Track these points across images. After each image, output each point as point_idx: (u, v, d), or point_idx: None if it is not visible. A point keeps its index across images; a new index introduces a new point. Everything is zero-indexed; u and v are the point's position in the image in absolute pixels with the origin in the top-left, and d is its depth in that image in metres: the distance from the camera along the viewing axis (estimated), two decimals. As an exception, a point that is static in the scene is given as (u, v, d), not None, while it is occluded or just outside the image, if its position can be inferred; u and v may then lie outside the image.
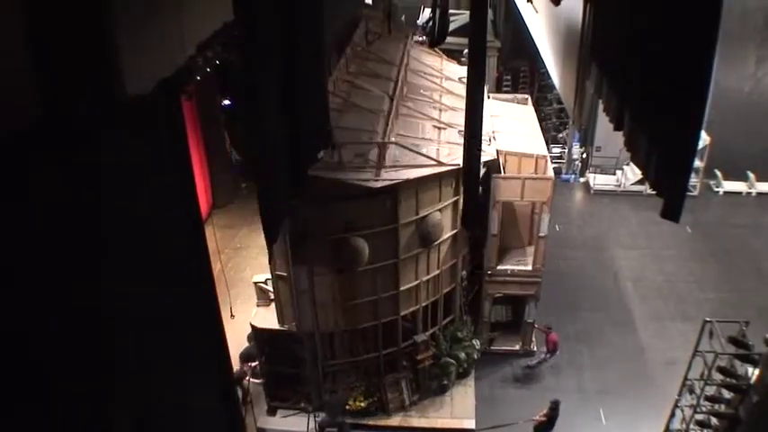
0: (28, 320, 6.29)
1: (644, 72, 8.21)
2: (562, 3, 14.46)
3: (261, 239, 10.23)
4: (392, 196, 15.46)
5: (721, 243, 25.69)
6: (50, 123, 6.36)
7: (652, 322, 21.31)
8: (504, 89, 35.09)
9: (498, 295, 19.42)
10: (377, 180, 15.03)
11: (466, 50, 20.65)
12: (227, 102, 26.08)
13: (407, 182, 15.32)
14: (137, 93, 7.76)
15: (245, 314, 22.40)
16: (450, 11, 20.41)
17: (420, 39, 37.00)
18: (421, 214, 16.24)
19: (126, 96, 7.44)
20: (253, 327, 17.59)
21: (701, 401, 15.20)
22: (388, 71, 20.85)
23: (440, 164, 15.88)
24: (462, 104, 18.42)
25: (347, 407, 17.66)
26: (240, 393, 18.50)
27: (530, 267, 18.74)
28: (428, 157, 16.01)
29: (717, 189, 29.36)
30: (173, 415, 9.47)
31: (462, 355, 18.82)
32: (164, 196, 9.14)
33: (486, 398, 18.98)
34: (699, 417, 15.36)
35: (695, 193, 28.29)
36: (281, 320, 17.10)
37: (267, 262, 10.97)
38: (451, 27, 21.10)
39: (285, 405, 18.28)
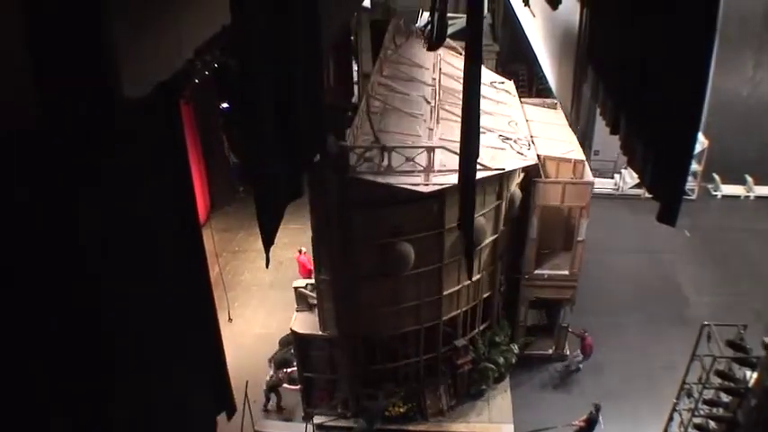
0: (28, 320, 6.29)
1: (640, 76, 8.21)
2: (559, 7, 14.50)
3: (258, 243, 10.21)
4: (439, 201, 15.50)
5: (719, 247, 25.70)
6: (50, 124, 6.36)
7: (650, 326, 21.31)
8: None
9: (532, 299, 19.46)
10: (427, 185, 15.03)
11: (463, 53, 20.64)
12: (225, 105, 26.12)
13: (454, 186, 15.23)
14: (135, 96, 7.76)
15: (243, 318, 22.46)
16: (449, 14, 20.40)
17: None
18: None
19: (124, 99, 7.44)
20: (293, 332, 17.54)
21: (700, 405, 15.20)
22: (421, 74, 20.76)
23: (486, 168, 15.81)
24: (497, 109, 18.49)
25: (386, 412, 17.67)
26: (275, 400, 18.57)
27: (566, 272, 18.74)
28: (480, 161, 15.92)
29: (715, 193, 29.37)
30: (168, 416, 9.46)
31: (501, 359, 18.90)
32: (162, 198, 9.14)
33: (523, 402, 19.03)
34: (697, 420, 15.36)
35: (693, 196, 28.30)
36: (322, 326, 17.05)
37: (264, 266, 10.93)
38: (450, 30, 21.09)
39: (322, 411, 18.26)
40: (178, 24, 9.26)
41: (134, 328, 8.09)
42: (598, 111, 12.93)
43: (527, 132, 17.95)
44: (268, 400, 18.70)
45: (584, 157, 18.22)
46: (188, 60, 9.99)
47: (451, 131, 17.18)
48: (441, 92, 19.42)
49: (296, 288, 18.16)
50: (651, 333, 21.10)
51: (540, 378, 19.95)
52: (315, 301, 17.68)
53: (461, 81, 20.80)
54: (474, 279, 17.47)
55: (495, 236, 17.59)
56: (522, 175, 17.30)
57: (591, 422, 17.12)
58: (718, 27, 21.99)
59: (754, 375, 13.83)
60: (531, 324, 20.41)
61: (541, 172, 17.51)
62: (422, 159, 15.47)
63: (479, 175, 15.59)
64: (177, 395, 9.73)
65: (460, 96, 19.51)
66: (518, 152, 16.78)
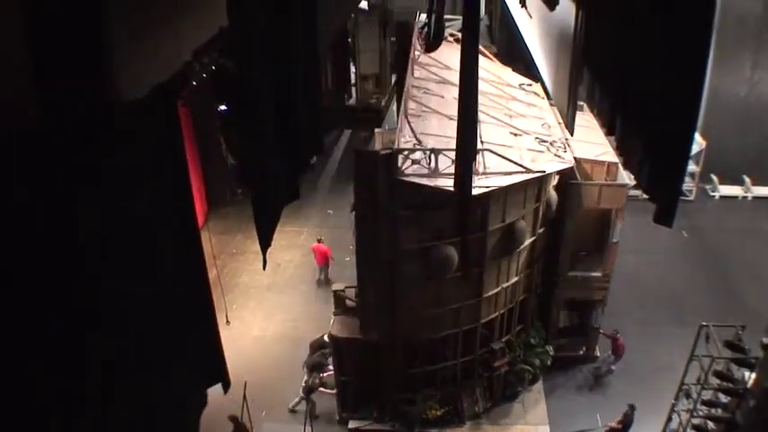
0: (26, 320, 6.29)
1: (636, 76, 8.20)
2: (556, 8, 14.51)
3: (256, 245, 10.22)
4: (483, 203, 15.49)
5: (717, 247, 25.73)
6: (49, 124, 6.36)
7: (648, 326, 21.32)
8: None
9: (566, 301, 19.56)
10: (474, 187, 14.90)
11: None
12: (222, 107, 26.10)
13: (499, 189, 15.35)
14: (134, 97, 7.76)
15: (241, 320, 22.46)
16: (446, 16, 20.41)
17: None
18: (507, 221, 16.26)
19: (123, 101, 7.44)
20: (331, 336, 17.56)
21: (698, 406, 15.21)
22: (451, 76, 20.69)
23: (528, 171, 15.82)
24: (530, 111, 18.47)
25: (423, 416, 17.67)
26: (308, 405, 18.54)
27: (599, 273, 18.76)
28: (517, 164, 15.90)
29: (713, 193, 29.40)
30: (166, 417, 9.46)
31: (537, 361, 18.95)
32: (160, 200, 9.13)
33: (557, 403, 19.07)
34: (695, 421, 15.38)
35: (691, 197, 28.33)
36: (363, 329, 17.02)
37: (261, 268, 10.94)
38: (447, 32, 21.10)
39: (357, 416, 18.23)
40: (177, 26, 9.26)
41: (133, 327, 8.09)
42: (594, 112, 12.96)
43: (561, 134, 17.99)
44: (309, 403, 18.65)
45: (617, 160, 18.27)
46: (186, 62, 9.99)
47: (490, 134, 17.21)
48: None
49: (335, 291, 18.15)
50: (649, 334, 21.11)
51: (572, 379, 20.00)
52: (352, 304, 17.77)
53: (495, 84, 20.93)
54: (512, 281, 17.56)
55: (533, 238, 17.61)
56: (556, 177, 17.33)
57: (626, 423, 17.12)
58: (716, 27, 21.99)
59: (753, 376, 13.84)
60: (562, 326, 20.48)
61: (577, 174, 17.52)
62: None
63: (522, 177, 15.70)
64: (174, 396, 9.72)
65: (494, 99, 19.61)
66: (555, 154, 16.83)
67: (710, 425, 15.14)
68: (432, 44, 19.25)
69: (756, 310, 19.93)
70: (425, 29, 20.78)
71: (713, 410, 15.07)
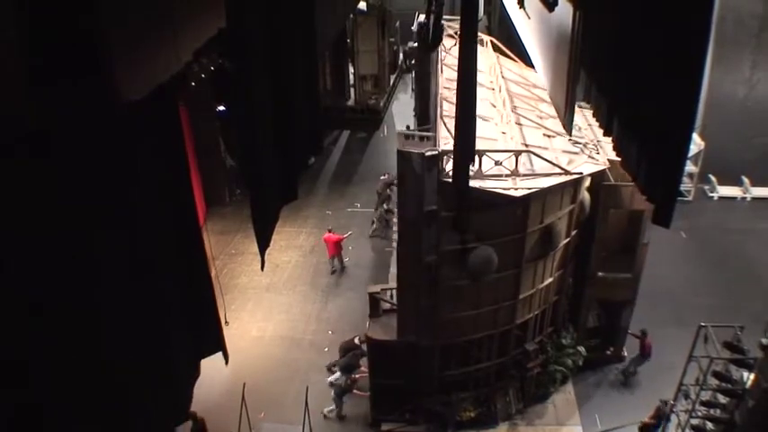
0: (23, 317, 6.30)
1: (633, 77, 8.21)
2: (554, 9, 14.51)
3: (255, 246, 10.23)
4: (524, 205, 15.50)
5: (716, 248, 25.71)
6: (49, 126, 6.36)
7: (647, 327, 21.27)
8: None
9: (595, 301, 19.58)
10: (517, 189, 15.04)
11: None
12: (221, 108, 26.10)
13: (541, 190, 15.35)
14: (134, 98, 7.76)
15: (240, 321, 22.44)
16: (445, 16, 20.40)
17: (414, 44, 37.13)
18: (545, 222, 16.29)
19: (123, 102, 7.44)
20: (368, 338, 17.50)
21: (697, 406, 15.21)
22: (480, 77, 20.71)
23: (566, 172, 15.84)
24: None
25: (457, 418, 17.70)
26: (338, 408, 18.67)
27: (629, 274, 18.78)
28: (557, 165, 15.90)
29: (711, 194, 29.37)
30: (161, 385, 9.47)
31: (569, 362, 18.99)
32: (160, 200, 9.14)
33: (587, 403, 19.09)
34: (694, 421, 15.39)
35: (690, 197, 28.31)
36: (401, 331, 17.00)
37: (260, 268, 10.95)
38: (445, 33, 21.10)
39: (390, 417, 18.23)
40: (177, 27, 9.26)
41: (132, 329, 8.09)
42: (591, 112, 12.99)
43: (592, 136, 18.04)
44: (339, 406, 18.72)
45: None
46: (185, 63, 9.99)
47: (526, 134, 17.23)
48: (506, 95, 19.42)
49: (371, 294, 18.12)
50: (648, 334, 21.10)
51: (602, 379, 19.99)
52: (387, 306, 17.80)
53: (522, 86, 20.92)
54: (546, 283, 17.60)
55: (568, 240, 17.64)
56: (588, 179, 17.37)
57: (660, 417, 17.11)
58: (714, 27, 21.95)
59: (752, 377, 13.84)
60: (591, 326, 20.48)
61: (609, 175, 17.55)
62: (505, 162, 15.56)
63: (562, 179, 15.75)
64: (172, 365, 9.69)
65: (524, 100, 19.60)
66: (589, 156, 16.86)
67: (709, 425, 15.14)
68: (430, 45, 19.23)
69: (755, 310, 19.92)
70: (424, 29, 20.77)
71: (712, 411, 15.07)
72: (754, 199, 29.23)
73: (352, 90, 37.94)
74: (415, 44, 36.14)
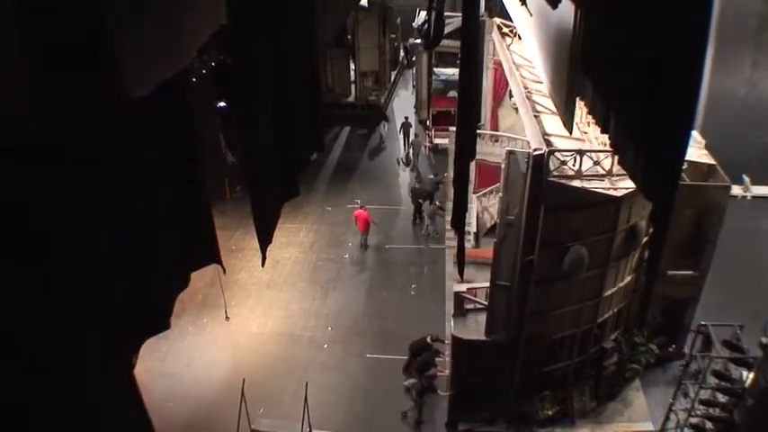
0: (27, 320, 6.29)
1: (633, 74, 8.19)
2: (557, 6, 14.50)
3: (255, 242, 10.22)
4: (616, 204, 15.51)
5: (716, 246, 25.69)
6: (49, 126, 6.34)
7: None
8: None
9: (662, 299, 19.50)
10: (616, 189, 15.08)
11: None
12: (222, 104, 26.12)
13: (634, 190, 15.23)
14: (138, 95, 7.74)
15: (240, 317, 22.49)
16: (446, 13, 20.40)
17: (415, 41, 37.18)
18: (631, 221, 16.35)
19: (127, 98, 7.42)
20: (454, 338, 17.45)
21: (696, 405, 15.22)
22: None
23: None
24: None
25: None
26: (418, 409, 18.69)
27: (696, 272, 18.87)
28: None
29: (712, 192, 29.36)
30: (147, 289, 9.34)
31: (642, 359, 19.02)
32: (167, 198, 9.12)
33: (654, 400, 18.99)
34: (693, 420, 15.40)
35: (690, 196, 28.31)
36: (489, 330, 17.03)
37: (261, 265, 10.94)
38: (447, 29, 21.09)
39: (468, 417, 18.22)
40: (181, 21, 9.24)
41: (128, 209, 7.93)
42: (587, 110, 13.00)
43: None
44: (421, 408, 18.74)
45: (714, 161, 18.35)
46: (190, 59, 9.97)
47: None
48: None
49: (456, 293, 18.08)
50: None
51: (666, 376, 19.87)
52: (470, 306, 17.84)
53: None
54: (626, 281, 17.66)
55: (646, 239, 17.61)
56: None
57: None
58: (715, 26, 21.88)
59: (751, 375, 13.86)
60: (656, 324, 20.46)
61: (683, 176, 17.58)
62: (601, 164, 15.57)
63: None
64: (162, 272, 9.55)
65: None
66: None
67: (708, 424, 15.16)
68: (431, 42, 19.24)
69: (755, 309, 19.93)
70: (425, 26, 20.77)
71: (711, 410, 15.09)
72: (754, 197, 29.23)
73: (353, 86, 38.00)
74: (417, 40, 36.22)
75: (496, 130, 25.87)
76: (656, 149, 7.82)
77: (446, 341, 19.82)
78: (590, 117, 17.14)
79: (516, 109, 24.38)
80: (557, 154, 14.97)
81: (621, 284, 17.50)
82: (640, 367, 18.94)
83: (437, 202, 27.21)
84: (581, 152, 15.01)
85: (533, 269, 15.72)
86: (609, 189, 15.06)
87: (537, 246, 15.40)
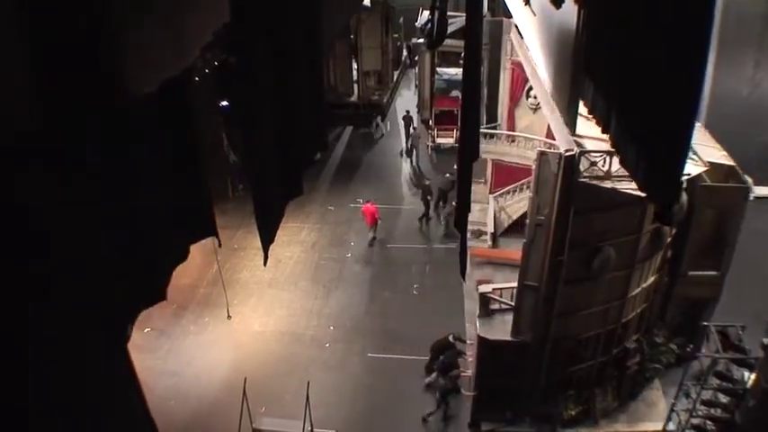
0: (26, 328, 6.30)
1: (635, 75, 8.19)
2: (561, 6, 14.50)
3: (257, 241, 10.22)
4: (643, 205, 15.46)
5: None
6: (51, 125, 6.35)
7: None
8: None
9: (683, 299, 19.59)
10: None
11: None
12: (224, 103, 26.14)
13: None
14: (143, 93, 7.75)
15: (242, 316, 22.50)
16: (449, 13, 20.39)
17: (418, 40, 37.17)
18: (656, 223, 16.28)
19: (130, 97, 7.43)
20: (481, 338, 17.41)
21: (698, 405, 15.21)
22: None
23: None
24: None
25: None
26: (443, 407, 18.77)
27: (716, 272, 18.88)
28: None
29: (714, 193, 29.31)
30: (146, 259, 9.34)
31: (663, 359, 19.02)
32: (169, 195, 9.13)
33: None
34: (695, 421, 15.39)
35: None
36: (516, 330, 17.06)
37: (262, 264, 10.96)
38: (450, 29, 21.07)
39: (491, 417, 18.25)
40: (184, 20, 9.25)
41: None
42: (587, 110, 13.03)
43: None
44: (447, 405, 18.79)
45: (734, 163, 18.39)
46: (193, 57, 9.97)
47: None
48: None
49: (482, 294, 18.05)
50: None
51: (686, 376, 19.93)
52: (495, 306, 17.83)
53: None
54: (649, 282, 17.67)
55: (669, 239, 17.70)
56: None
57: None
58: (717, 26, 21.82)
59: (753, 376, 13.85)
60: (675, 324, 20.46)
61: (705, 176, 17.59)
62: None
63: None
64: (160, 244, 9.54)
65: None
66: (689, 158, 16.98)
67: (710, 425, 15.16)
68: (434, 42, 19.23)
69: (757, 310, 19.91)
70: (428, 26, 20.76)
71: (713, 410, 15.09)
72: (756, 198, 29.14)
73: (355, 86, 37.99)
74: (420, 40, 36.19)
75: (513, 131, 25.85)
76: (657, 151, 7.82)
77: (468, 341, 19.92)
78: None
79: (533, 109, 24.47)
80: (587, 155, 14.96)
81: (645, 285, 17.50)
82: (661, 367, 18.91)
83: (453, 204, 27.01)
84: (611, 153, 14.99)
85: (562, 269, 15.73)
86: (637, 190, 15.06)
87: (566, 246, 15.42)
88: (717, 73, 26.06)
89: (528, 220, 16.03)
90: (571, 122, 13.41)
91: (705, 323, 15.30)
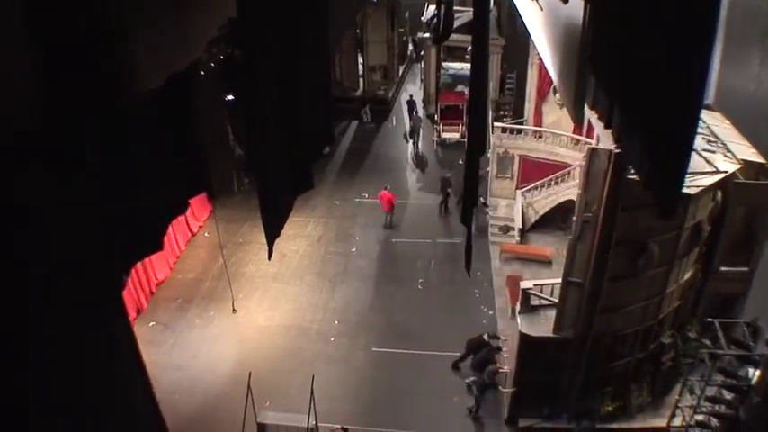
0: (26, 328, 6.31)
1: (639, 72, 8.17)
2: (568, 1, 14.45)
3: (263, 235, 10.23)
4: (686, 202, 15.51)
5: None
6: (51, 125, 6.37)
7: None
8: (508, 86, 35.13)
9: (714, 294, 19.50)
10: (689, 187, 15.06)
11: (470, 47, 20.65)
12: (230, 97, 26.13)
13: (704, 189, 15.51)
14: (151, 87, 7.76)
15: (247, 309, 22.54)
16: (455, 7, 20.39)
17: (424, 35, 37.15)
18: (696, 219, 16.43)
19: (140, 90, 7.44)
20: (522, 335, 17.48)
21: (702, 402, 15.21)
22: None
23: (717, 171, 16.06)
24: None
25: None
26: (477, 405, 18.91)
27: (746, 268, 18.80)
28: (711, 164, 16.24)
29: (719, 189, 29.26)
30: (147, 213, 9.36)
31: (696, 354, 18.98)
32: (176, 188, 9.16)
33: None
34: (699, 417, 15.38)
35: (698, 192, 28.24)
36: (558, 326, 17.12)
37: (267, 258, 10.96)
38: (456, 24, 21.07)
39: (528, 413, 18.32)
40: (191, 14, 9.26)
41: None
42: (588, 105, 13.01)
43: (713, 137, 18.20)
44: (479, 404, 18.93)
45: (764, 160, 18.39)
46: (200, 51, 9.97)
47: None
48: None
49: (524, 290, 18.14)
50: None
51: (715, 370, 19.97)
52: (536, 302, 17.94)
53: None
54: (686, 278, 17.72)
55: (706, 236, 17.69)
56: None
57: None
58: (722, 22, 21.71)
59: (757, 373, 13.85)
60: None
61: (738, 174, 17.60)
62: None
63: (716, 177, 15.85)
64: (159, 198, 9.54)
65: None
66: (724, 155, 16.98)
67: (714, 421, 15.15)
68: (440, 36, 19.21)
69: (761, 307, 19.89)
70: (434, 20, 20.76)
71: (717, 407, 15.08)
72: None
73: (361, 81, 38.01)
74: (426, 35, 36.19)
75: (540, 126, 25.85)
76: (660, 148, 7.80)
77: (501, 337, 20.11)
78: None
79: (561, 105, 24.47)
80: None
81: (682, 281, 17.56)
82: (695, 361, 18.89)
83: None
84: None
85: (607, 266, 15.75)
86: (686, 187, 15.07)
87: (612, 243, 15.43)
88: (722, 70, 25.99)
89: (575, 217, 16.05)
90: (578, 117, 13.39)
91: (709, 319, 15.26)
